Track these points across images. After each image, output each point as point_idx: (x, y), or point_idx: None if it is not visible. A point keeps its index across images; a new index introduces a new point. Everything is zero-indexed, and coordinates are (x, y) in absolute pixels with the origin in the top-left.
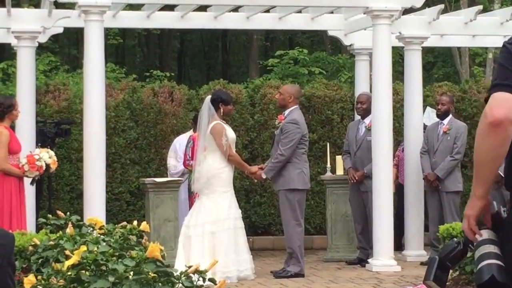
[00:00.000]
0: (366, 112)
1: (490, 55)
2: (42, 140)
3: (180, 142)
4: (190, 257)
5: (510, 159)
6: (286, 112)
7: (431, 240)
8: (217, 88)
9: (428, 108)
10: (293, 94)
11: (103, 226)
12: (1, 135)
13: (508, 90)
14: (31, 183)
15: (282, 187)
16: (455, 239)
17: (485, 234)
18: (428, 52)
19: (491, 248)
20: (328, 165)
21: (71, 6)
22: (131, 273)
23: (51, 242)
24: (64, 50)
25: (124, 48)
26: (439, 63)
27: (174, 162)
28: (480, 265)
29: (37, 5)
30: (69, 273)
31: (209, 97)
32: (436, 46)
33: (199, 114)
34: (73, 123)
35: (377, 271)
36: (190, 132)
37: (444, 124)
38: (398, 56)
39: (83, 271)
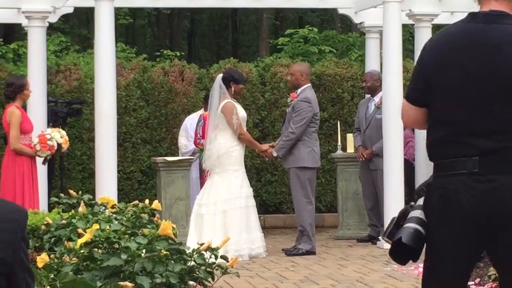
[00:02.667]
0: (370, 90)
1: None
2: (54, 119)
3: (191, 121)
4: (202, 236)
5: (429, 134)
6: (299, 90)
7: None
8: (227, 67)
9: None
10: (303, 71)
11: (115, 205)
12: (13, 115)
13: (409, 101)
14: (43, 163)
15: (293, 165)
16: (411, 203)
17: (421, 201)
18: (438, 30)
19: (418, 214)
20: (339, 143)
21: None
22: (144, 250)
23: (64, 221)
24: (74, 30)
25: (134, 28)
26: None
27: (185, 141)
28: (403, 227)
29: None
30: (82, 251)
31: (220, 75)
32: (446, 24)
33: (210, 93)
34: (84, 103)
35: (388, 249)
36: (201, 111)
37: None
38: (408, 34)
39: (96, 249)
